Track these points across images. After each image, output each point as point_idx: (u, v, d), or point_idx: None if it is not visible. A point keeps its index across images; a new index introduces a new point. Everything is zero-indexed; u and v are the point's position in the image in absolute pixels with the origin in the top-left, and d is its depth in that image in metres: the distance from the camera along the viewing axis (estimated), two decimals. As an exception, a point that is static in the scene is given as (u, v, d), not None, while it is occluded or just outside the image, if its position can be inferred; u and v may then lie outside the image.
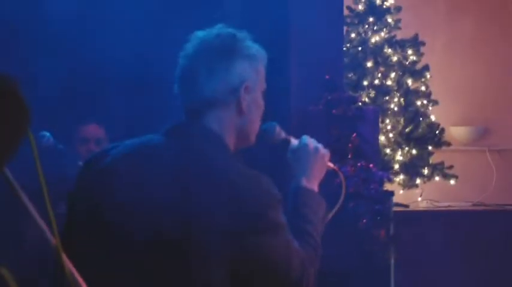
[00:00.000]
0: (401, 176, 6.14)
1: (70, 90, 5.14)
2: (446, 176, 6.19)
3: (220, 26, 2.20)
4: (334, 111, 4.90)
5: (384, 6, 6.22)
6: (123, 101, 4.56)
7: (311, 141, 2.38)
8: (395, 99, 6.16)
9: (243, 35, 2.19)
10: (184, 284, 1.95)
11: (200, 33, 2.18)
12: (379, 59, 6.19)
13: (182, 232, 1.96)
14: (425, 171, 6.20)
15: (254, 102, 2.15)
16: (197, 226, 1.91)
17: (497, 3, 7.18)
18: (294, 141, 2.38)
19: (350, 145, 4.78)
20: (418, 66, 6.26)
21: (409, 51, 6.25)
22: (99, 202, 2.04)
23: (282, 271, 2.02)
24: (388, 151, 6.25)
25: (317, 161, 2.38)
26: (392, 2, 6.24)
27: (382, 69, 6.15)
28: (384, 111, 6.08)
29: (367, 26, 6.25)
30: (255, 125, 2.23)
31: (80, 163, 3.32)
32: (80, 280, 1.16)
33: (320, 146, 2.39)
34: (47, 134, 3.75)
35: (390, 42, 6.23)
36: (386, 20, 6.25)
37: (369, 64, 6.11)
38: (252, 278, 2.01)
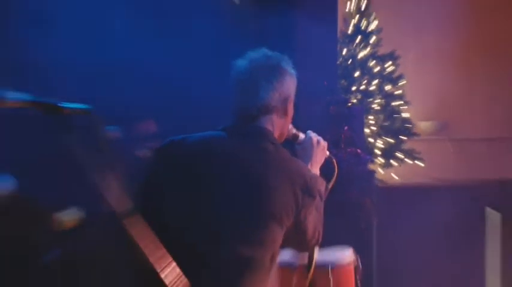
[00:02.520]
0: (381, 159, 6.94)
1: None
2: (415, 159, 6.99)
3: (265, 50, 2.74)
4: (331, 110, 5.61)
5: (368, 30, 7.00)
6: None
7: (314, 135, 2.89)
8: (377, 101, 6.93)
9: (286, 57, 2.71)
10: (261, 241, 2.55)
11: (254, 54, 2.69)
12: (365, 70, 6.91)
13: (260, 202, 2.52)
14: (399, 155, 6.96)
15: (291, 109, 2.67)
16: (271, 200, 2.48)
17: (454, 23, 7.74)
18: (302, 136, 2.90)
19: (343, 136, 5.46)
20: (395, 75, 7.01)
21: (388, 64, 6.99)
22: (196, 164, 2.60)
23: (314, 231, 2.69)
24: (371, 140, 6.94)
25: (319, 150, 2.89)
26: (374, 27, 6.98)
27: (367, 77, 6.91)
28: (368, 110, 6.86)
29: (355, 45, 6.98)
30: (288, 125, 2.75)
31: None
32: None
33: (321, 138, 2.91)
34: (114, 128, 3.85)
35: (373, 56, 6.98)
36: (370, 39, 7.02)
37: (357, 74, 6.85)
38: (289, 237, 2.62)
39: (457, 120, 8.09)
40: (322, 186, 2.68)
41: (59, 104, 1.72)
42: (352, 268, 3.50)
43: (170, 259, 1.79)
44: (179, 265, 1.83)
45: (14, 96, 1.63)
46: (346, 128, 5.68)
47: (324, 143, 2.93)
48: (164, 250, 1.78)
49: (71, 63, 4.26)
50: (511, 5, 8.33)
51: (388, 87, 6.93)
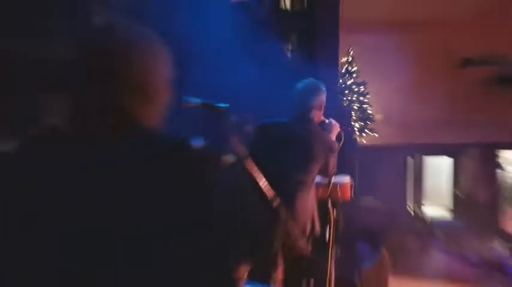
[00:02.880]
0: (357, 133, 9.58)
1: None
2: (373, 133, 9.74)
3: (312, 78, 4.08)
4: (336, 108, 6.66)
5: (352, 70, 9.81)
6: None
7: (332, 120, 4.21)
8: (356, 105, 9.76)
9: (321, 82, 4.06)
10: (310, 172, 3.90)
11: (306, 80, 4.06)
12: (350, 89, 9.75)
13: (311, 154, 3.93)
14: (366, 131, 9.72)
15: (323, 108, 4.03)
16: (315, 153, 3.84)
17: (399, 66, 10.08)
18: (326, 121, 4.17)
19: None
20: (364, 92, 9.86)
21: (361, 87, 9.87)
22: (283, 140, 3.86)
23: (333, 167, 4.10)
24: (354, 123, 9.38)
25: (334, 128, 4.18)
26: (355, 69, 9.83)
27: (351, 94, 9.73)
28: (352, 109, 9.77)
29: (346, 77, 9.75)
30: (321, 116, 4.08)
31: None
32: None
33: (335, 122, 4.22)
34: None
35: (354, 83, 9.89)
36: (352, 75, 9.85)
37: (346, 91, 9.62)
38: (321, 170, 4.18)
39: (396, 115, 10.59)
40: (335, 145, 3.99)
41: (215, 104, 2.58)
42: (349, 185, 4.66)
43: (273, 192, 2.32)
44: (271, 185, 2.43)
45: (192, 100, 2.59)
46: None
47: (336, 124, 4.19)
48: (267, 184, 2.36)
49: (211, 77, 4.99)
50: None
51: (361, 98, 9.82)
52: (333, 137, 4.17)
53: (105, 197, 1.31)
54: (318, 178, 4.25)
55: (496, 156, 12.59)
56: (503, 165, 13.49)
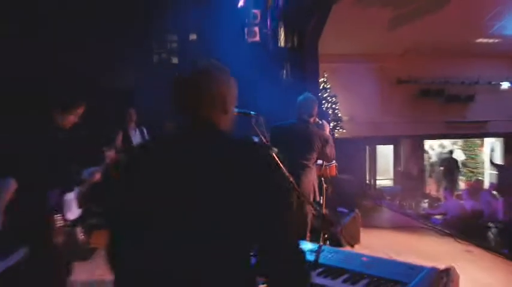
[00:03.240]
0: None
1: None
2: (343, 129, 9.68)
3: (308, 93, 4.07)
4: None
5: (327, 87, 9.76)
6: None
7: (324, 121, 4.37)
8: (330, 111, 9.57)
9: (314, 96, 4.10)
10: (312, 156, 3.97)
11: (305, 94, 4.04)
12: (324, 101, 9.54)
13: (311, 143, 3.91)
14: (339, 128, 9.63)
15: (317, 114, 4.12)
16: (314, 143, 3.89)
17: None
18: (320, 121, 4.25)
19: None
20: (336, 101, 9.67)
21: (334, 99, 9.68)
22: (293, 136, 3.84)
23: (331, 153, 4.13)
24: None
25: (327, 127, 4.38)
26: (329, 85, 9.80)
27: (326, 103, 9.59)
28: (328, 115, 9.20)
29: (322, 91, 9.50)
30: (316, 120, 4.13)
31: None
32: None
33: (326, 123, 4.41)
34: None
35: (329, 95, 9.67)
36: (328, 89, 9.72)
37: (323, 101, 9.33)
38: (319, 156, 4.13)
39: (357, 116, 10.64)
40: (329, 138, 4.08)
41: (250, 112, 2.61)
42: (335, 166, 4.61)
43: None
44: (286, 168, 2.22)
45: (235, 109, 2.06)
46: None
47: (327, 124, 4.46)
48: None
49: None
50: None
51: (333, 105, 9.72)
52: (327, 131, 4.24)
53: (200, 191, 1.21)
54: (319, 161, 4.24)
55: (422, 143, 12.67)
56: (427, 149, 13.81)
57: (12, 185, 2.66)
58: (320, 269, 1.73)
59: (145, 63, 8.66)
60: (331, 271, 1.72)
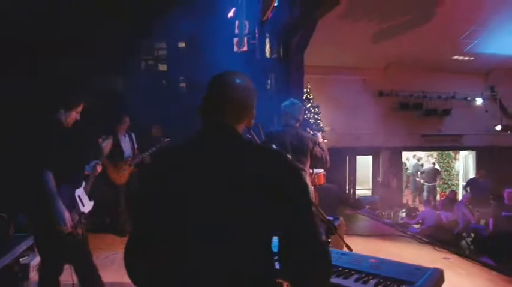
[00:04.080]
0: None
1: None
2: (324, 139, 10.38)
3: (292, 99, 4.18)
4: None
5: (310, 98, 9.86)
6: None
7: (317, 132, 4.55)
8: (312, 120, 9.63)
9: (299, 102, 4.24)
10: (306, 159, 4.02)
11: (292, 99, 4.15)
12: (307, 111, 9.59)
13: (305, 146, 3.98)
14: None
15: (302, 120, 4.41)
16: (307, 146, 4.01)
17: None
18: (311, 132, 4.38)
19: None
20: (318, 111, 9.78)
21: (316, 109, 9.78)
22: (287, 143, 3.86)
23: (322, 155, 4.13)
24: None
25: (319, 137, 4.33)
26: (312, 96, 9.89)
27: (308, 113, 9.64)
28: (310, 125, 9.22)
29: (306, 101, 9.58)
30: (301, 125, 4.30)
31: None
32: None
33: (319, 133, 4.49)
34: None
35: (311, 105, 9.76)
36: (311, 100, 9.87)
37: (307, 112, 9.40)
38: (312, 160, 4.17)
39: (338, 127, 10.86)
40: (317, 139, 4.19)
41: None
42: (322, 174, 5.10)
43: None
44: None
45: None
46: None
47: (319, 135, 4.48)
48: None
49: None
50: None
51: (316, 115, 9.82)
52: (320, 141, 4.25)
53: (221, 195, 1.27)
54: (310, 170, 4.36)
55: (400, 155, 12.90)
56: (404, 161, 14.02)
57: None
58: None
59: (134, 69, 8.62)
60: (342, 272, 1.80)
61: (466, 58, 11.77)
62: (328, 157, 4.15)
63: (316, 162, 4.18)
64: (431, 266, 4.83)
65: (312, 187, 4.49)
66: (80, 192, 3.15)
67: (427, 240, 6.63)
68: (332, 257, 1.85)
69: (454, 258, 5.67)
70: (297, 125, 4.11)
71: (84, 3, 7.30)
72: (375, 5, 8.60)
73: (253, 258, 1.25)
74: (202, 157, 1.32)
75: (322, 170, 4.78)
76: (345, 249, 3.90)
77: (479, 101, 12.81)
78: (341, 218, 5.69)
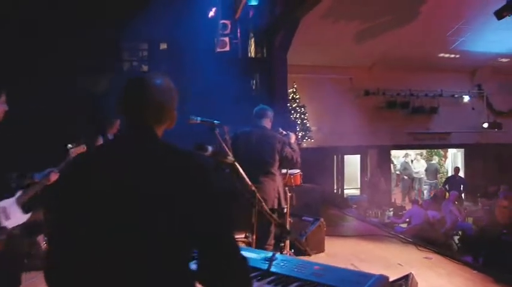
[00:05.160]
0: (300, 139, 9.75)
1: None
2: (310, 138, 10.03)
3: (263, 104, 4.25)
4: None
5: (296, 97, 9.91)
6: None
7: (290, 132, 4.32)
8: (299, 121, 9.82)
9: (270, 108, 4.25)
10: (275, 160, 4.00)
11: (261, 106, 4.21)
12: (293, 111, 9.77)
13: (273, 146, 4.00)
14: (307, 138, 9.89)
15: (271, 122, 4.22)
16: (275, 146, 4.01)
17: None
18: (284, 132, 4.26)
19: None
20: (305, 111, 9.92)
21: (303, 109, 9.92)
22: (247, 142, 3.91)
23: (292, 158, 4.44)
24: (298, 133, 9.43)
25: (293, 137, 4.24)
26: (298, 96, 9.95)
27: (295, 114, 9.82)
28: (296, 125, 9.57)
29: (292, 101, 9.75)
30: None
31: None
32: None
33: (292, 133, 4.33)
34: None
35: (297, 105, 9.92)
36: (297, 100, 9.93)
37: (292, 112, 9.69)
38: (282, 162, 4.14)
39: (325, 127, 10.86)
40: (286, 140, 4.08)
41: (212, 121, 2.72)
42: (299, 175, 4.89)
43: None
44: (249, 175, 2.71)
45: (195, 118, 2.65)
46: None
47: (293, 135, 4.35)
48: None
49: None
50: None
51: (302, 115, 9.95)
52: (292, 141, 4.16)
53: (130, 194, 1.20)
54: (283, 170, 4.31)
55: (389, 154, 12.90)
56: (393, 160, 14.04)
57: None
58: (271, 278, 1.72)
59: (116, 70, 8.59)
60: (282, 280, 1.72)
61: (452, 56, 11.80)
62: (299, 159, 4.06)
63: (287, 163, 4.10)
64: (412, 266, 4.81)
65: (287, 188, 4.40)
66: (7, 203, 2.78)
67: (410, 240, 6.55)
68: (276, 264, 1.80)
69: (435, 257, 5.59)
70: (266, 125, 4.07)
71: (66, 4, 7.34)
72: (357, 5, 8.57)
73: (164, 271, 1.17)
74: (111, 161, 1.26)
75: (298, 171, 4.69)
76: (290, 253, 3.76)
77: (466, 99, 12.81)
78: (321, 219, 5.65)
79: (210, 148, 1.88)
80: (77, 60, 7.12)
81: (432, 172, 13.50)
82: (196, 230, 1.18)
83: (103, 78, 7.65)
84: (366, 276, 1.68)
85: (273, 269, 1.80)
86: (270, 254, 1.94)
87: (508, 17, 7.03)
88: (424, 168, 13.83)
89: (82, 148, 3.29)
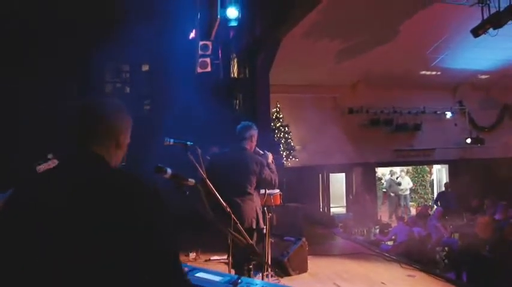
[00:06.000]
0: (284, 158, 9.89)
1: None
2: (294, 158, 10.20)
3: (247, 122, 4.17)
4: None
5: (280, 117, 10.13)
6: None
7: (267, 151, 4.20)
8: (283, 140, 9.99)
9: (253, 124, 4.12)
10: (252, 182, 3.99)
11: (243, 122, 4.12)
12: (277, 131, 10.00)
13: (249, 167, 3.94)
14: (291, 158, 10.00)
15: (255, 141, 4.14)
16: (251, 167, 3.98)
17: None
18: (261, 152, 4.18)
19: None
20: (289, 131, 10.12)
21: (286, 128, 10.09)
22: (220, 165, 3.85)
23: (271, 179, 4.36)
24: (282, 152, 9.80)
25: (270, 156, 4.18)
26: (281, 116, 10.12)
27: (278, 133, 9.98)
28: (280, 144, 9.85)
29: (275, 121, 9.96)
30: (255, 148, 4.18)
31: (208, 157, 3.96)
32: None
33: (269, 153, 4.24)
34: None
35: (281, 125, 10.08)
36: (281, 119, 10.12)
37: (276, 132, 9.86)
38: (260, 183, 4.10)
39: (309, 146, 10.89)
40: (264, 162, 4.02)
41: (186, 142, 2.78)
42: (278, 194, 4.74)
43: None
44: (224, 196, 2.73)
45: (169, 140, 2.77)
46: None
47: (270, 154, 4.27)
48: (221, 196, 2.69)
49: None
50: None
51: (286, 135, 10.11)
52: (269, 161, 4.13)
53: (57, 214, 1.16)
54: (262, 191, 4.26)
55: (373, 171, 12.96)
56: (380, 177, 14.09)
57: None
58: (233, 301, 1.70)
59: (99, 91, 8.58)
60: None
61: (434, 73, 12.03)
62: (276, 180, 4.05)
63: (265, 185, 4.09)
64: (395, 284, 4.79)
65: (265, 208, 4.36)
66: None
67: (394, 257, 6.53)
68: None
69: (419, 275, 5.59)
70: (246, 146, 4.03)
71: (47, 22, 7.36)
72: (337, 25, 8.69)
73: None
74: (48, 187, 1.23)
75: (277, 191, 4.67)
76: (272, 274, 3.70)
77: (448, 115, 13.00)
78: (303, 239, 5.62)
79: (169, 171, 1.87)
80: (56, 80, 7.13)
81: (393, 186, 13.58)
82: (133, 255, 1.14)
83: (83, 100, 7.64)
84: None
85: (236, 292, 1.77)
86: (235, 277, 1.92)
87: (484, 34, 7.30)
88: (410, 185, 13.89)
89: (52, 163, 3.16)
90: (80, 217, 1.14)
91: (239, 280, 1.87)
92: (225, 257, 4.16)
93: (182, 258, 5.60)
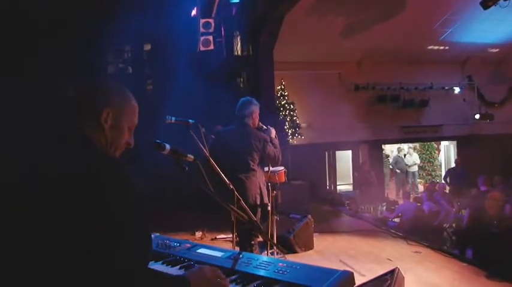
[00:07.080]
0: (290, 135, 9.57)
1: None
2: (300, 135, 9.80)
3: (248, 97, 4.09)
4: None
5: (285, 94, 9.84)
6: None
7: (270, 126, 4.13)
8: (288, 118, 9.74)
9: (255, 99, 4.05)
10: (254, 159, 3.96)
11: (243, 98, 4.06)
12: (282, 109, 9.76)
13: (249, 142, 3.93)
14: (296, 135, 9.69)
15: (257, 118, 4.08)
16: (254, 143, 3.96)
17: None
18: (264, 127, 4.12)
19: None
20: (295, 108, 9.84)
21: (292, 106, 9.84)
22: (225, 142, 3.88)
23: (274, 155, 4.03)
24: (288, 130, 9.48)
25: (273, 131, 4.09)
26: (287, 93, 9.83)
27: (284, 111, 9.76)
28: (285, 122, 9.62)
29: (280, 99, 9.77)
30: (258, 121, 4.11)
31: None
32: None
33: (272, 127, 4.14)
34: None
35: (286, 102, 9.84)
36: (286, 97, 9.84)
37: (282, 109, 9.70)
38: (264, 158, 4.07)
39: (315, 123, 10.77)
40: (268, 138, 3.98)
41: (187, 120, 2.81)
42: (283, 172, 4.71)
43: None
44: (229, 172, 2.89)
45: (171, 118, 2.81)
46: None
47: (272, 129, 4.16)
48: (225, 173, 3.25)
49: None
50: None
51: (291, 113, 9.87)
52: (272, 136, 4.09)
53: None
54: (266, 168, 4.24)
55: (380, 148, 12.90)
56: (385, 154, 14.06)
57: None
58: (233, 277, 1.71)
59: (101, 71, 8.55)
60: (244, 278, 1.71)
61: (441, 47, 11.87)
62: (280, 155, 4.03)
63: (268, 161, 4.08)
64: (401, 261, 4.81)
65: (269, 185, 4.39)
66: None
67: (400, 234, 6.56)
68: (241, 262, 1.79)
69: (425, 251, 5.62)
70: (248, 122, 4.00)
71: (49, 6, 7.29)
72: (341, 0, 8.53)
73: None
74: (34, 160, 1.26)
75: (282, 168, 4.68)
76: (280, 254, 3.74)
77: (457, 91, 12.85)
78: (309, 216, 5.65)
79: (167, 146, 1.87)
80: (58, 61, 7.04)
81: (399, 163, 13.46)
82: (88, 238, 1.11)
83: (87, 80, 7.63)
84: (330, 272, 1.67)
85: (237, 267, 1.78)
86: (236, 252, 1.93)
87: (494, 6, 7.16)
88: (418, 161, 13.82)
89: None
90: (39, 197, 1.15)
91: (240, 255, 1.87)
92: (231, 235, 4.17)
93: (188, 236, 5.74)
